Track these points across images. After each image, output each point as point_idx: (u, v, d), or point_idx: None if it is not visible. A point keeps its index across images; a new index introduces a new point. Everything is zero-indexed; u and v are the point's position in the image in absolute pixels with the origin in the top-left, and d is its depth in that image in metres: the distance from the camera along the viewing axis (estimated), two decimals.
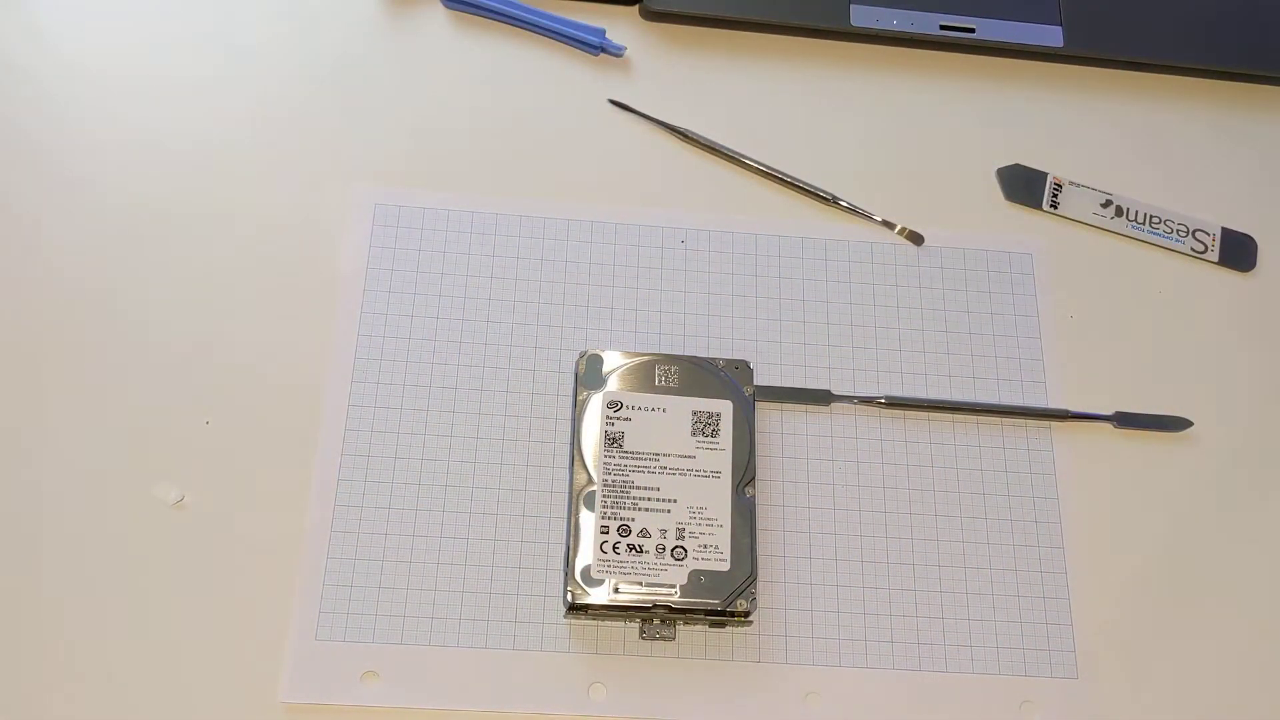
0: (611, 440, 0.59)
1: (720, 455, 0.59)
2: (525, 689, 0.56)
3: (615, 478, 0.58)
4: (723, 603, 0.56)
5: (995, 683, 0.58)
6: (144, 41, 0.70)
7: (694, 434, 0.59)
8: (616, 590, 0.56)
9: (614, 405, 0.59)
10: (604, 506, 0.57)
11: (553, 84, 0.71)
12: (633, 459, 0.58)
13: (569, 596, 0.56)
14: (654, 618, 0.57)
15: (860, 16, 0.74)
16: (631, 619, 0.57)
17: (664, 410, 0.60)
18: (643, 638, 0.57)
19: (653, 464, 0.58)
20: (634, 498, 0.58)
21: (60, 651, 0.55)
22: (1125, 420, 0.65)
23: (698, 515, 0.58)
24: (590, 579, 0.56)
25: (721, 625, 0.58)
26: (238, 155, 0.67)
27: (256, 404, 0.61)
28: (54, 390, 0.60)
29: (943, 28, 0.74)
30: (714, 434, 0.59)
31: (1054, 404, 0.65)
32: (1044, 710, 0.58)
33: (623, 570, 0.56)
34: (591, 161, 0.69)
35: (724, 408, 0.60)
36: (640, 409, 0.59)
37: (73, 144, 0.67)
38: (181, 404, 0.60)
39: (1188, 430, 0.65)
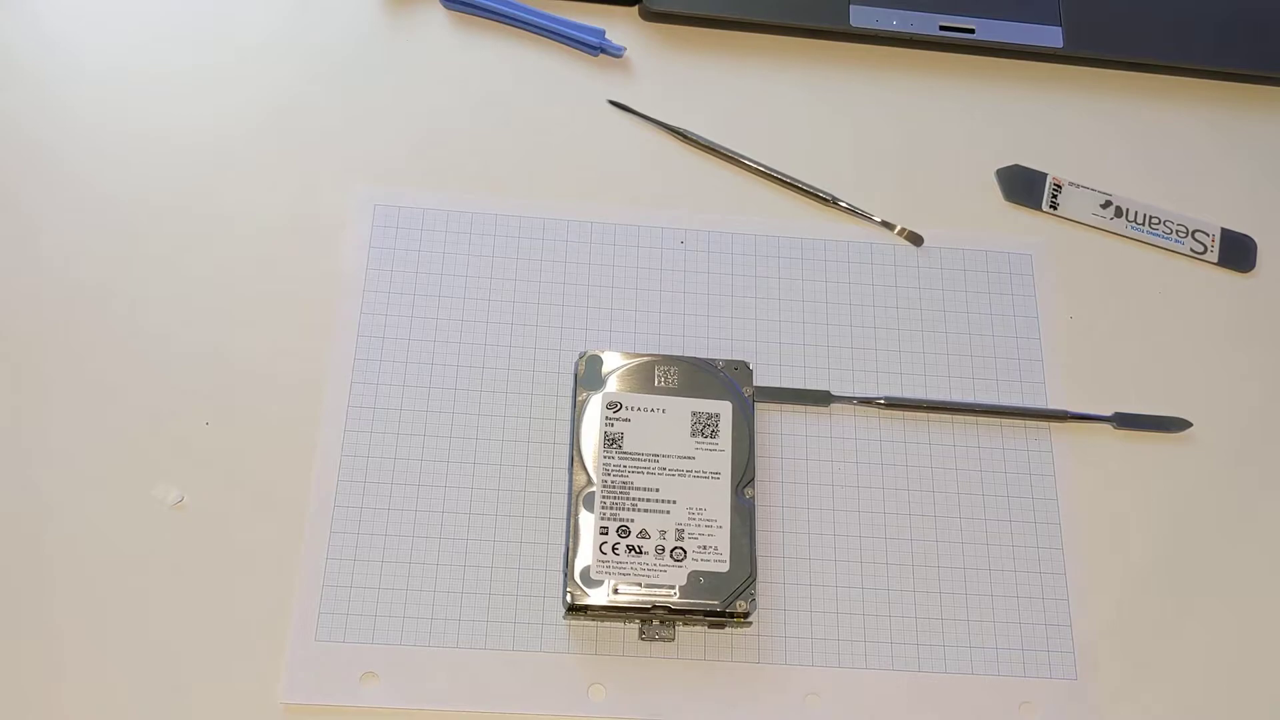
0: (611, 441, 0.59)
1: (719, 456, 0.59)
2: (525, 690, 0.56)
3: (614, 478, 0.58)
4: (722, 604, 0.56)
5: (994, 683, 0.59)
6: (143, 42, 0.70)
7: (693, 435, 0.59)
8: (616, 591, 0.56)
9: (613, 406, 0.59)
10: (603, 507, 0.57)
11: (552, 85, 0.71)
12: (632, 460, 0.58)
13: (568, 597, 0.56)
14: (653, 619, 0.57)
15: (860, 17, 0.74)
16: (631, 620, 0.57)
17: (663, 411, 0.60)
18: (642, 639, 0.57)
19: (652, 465, 0.58)
20: (633, 499, 0.58)
21: (60, 652, 0.55)
22: (1124, 421, 0.65)
23: (697, 516, 0.58)
24: (590, 580, 0.56)
25: (721, 626, 0.58)
26: (237, 155, 0.67)
27: (256, 405, 0.61)
28: (53, 391, 0.60)
29: (942, 28, 0.74)
30: (713, 435, 0.59)
31: (1053, 405, 0.65)
32: (1043, 711, 0.58)
33: (622, 571, 0.56)
34: (591, 162, 0.69)
35: (723, 409, 0.60)
36: (640, 410, 0.60)
37: (72, 143, 0.67)
38: (181, 405, 0.61)
39: (1187, 431, 0.65)
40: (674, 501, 0.58)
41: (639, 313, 0.65)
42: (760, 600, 0.58)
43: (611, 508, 0.57)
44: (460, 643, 0.57)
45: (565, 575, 0.57)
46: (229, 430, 0.60)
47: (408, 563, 0.58)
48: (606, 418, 0.59)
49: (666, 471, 0.58)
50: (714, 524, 0.58)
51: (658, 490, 0.58)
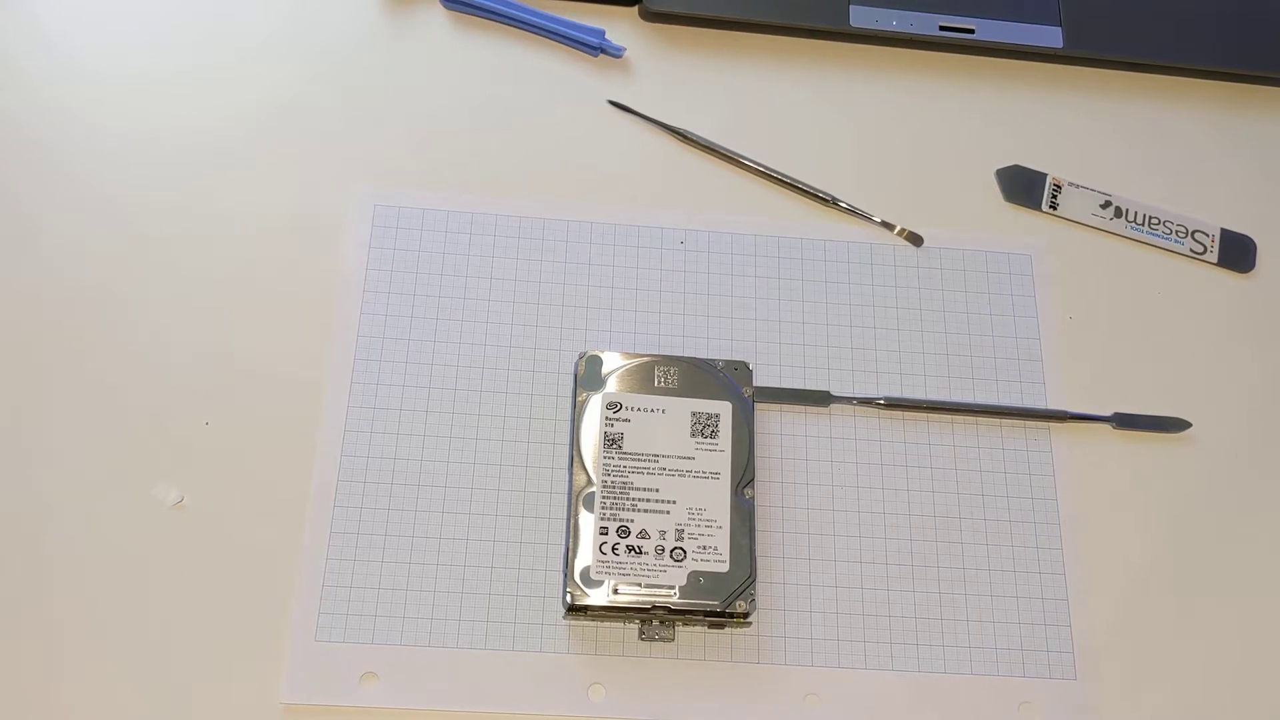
0: (611, 441, 0.59)
1: (719, 456, 0.59)
2: (525, 690, 0.56)
3: (614, 479, 0.58)
4: (721, 604, 0.56)
5: (993, 684, 0.59)
6: (144, 42, 0.70)
7: (693, 435, 0.59)
8: (616, 591, 0.56)
9: (613, 406, 0.59)
10: (603, 508, 0.57)
11: (552, 85, 0.71)
12: (632, 460, 0.58)
13: (568, 598, 0.56)
14: (653, 619, 0.57)
15: (860, 17, 0.74)
16: (631, 620, 0.57)
17: (663, 411, 0.60)
18: (642, 639, 0.57)
19: (652, 465, 0.58)
20: (633, 499, 0.58)
21: (60, 652, 0.55)
22: (1124, 421, 0.65)
23: (697, 516, 0.58)
24: (589, 580, 0.56)
25: (720, 626, 0.58)
26: (237, 156, 0.67)
27: (256, 405, 0.61)
28: (54, 391, 0.60)
29: (942, 28, 0.74)
30: (713, 435, 0.59)
31: (1053, 405, 0.65)
32: (1042, 711, 0.58)
33: (622, 571, 0.56)
34: (591, 162, 0.69)
35: (723, 409, 0.60)
36: (640, 410, 0.60)
37: (72, 143, 0.67)
38: (181, 405, 0.61)
39: (1186, 431, 0.65)
40: (674, 502, 0.58)
41: (639, 313, 0.65)
42: (760, 600, 0.58)
43: (611, 508, 0.57)
44: (460, 643, 0.57)
45: (565, 575, 0.57)
46: (229, 430, 0.60)
47: (407, 563, 0.58)
48: (606, 418, 0.59)
49: (666, 472, 0.58)
50: (714, 524, 0.58)
51: (657, 490, 0.58)
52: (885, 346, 0.66)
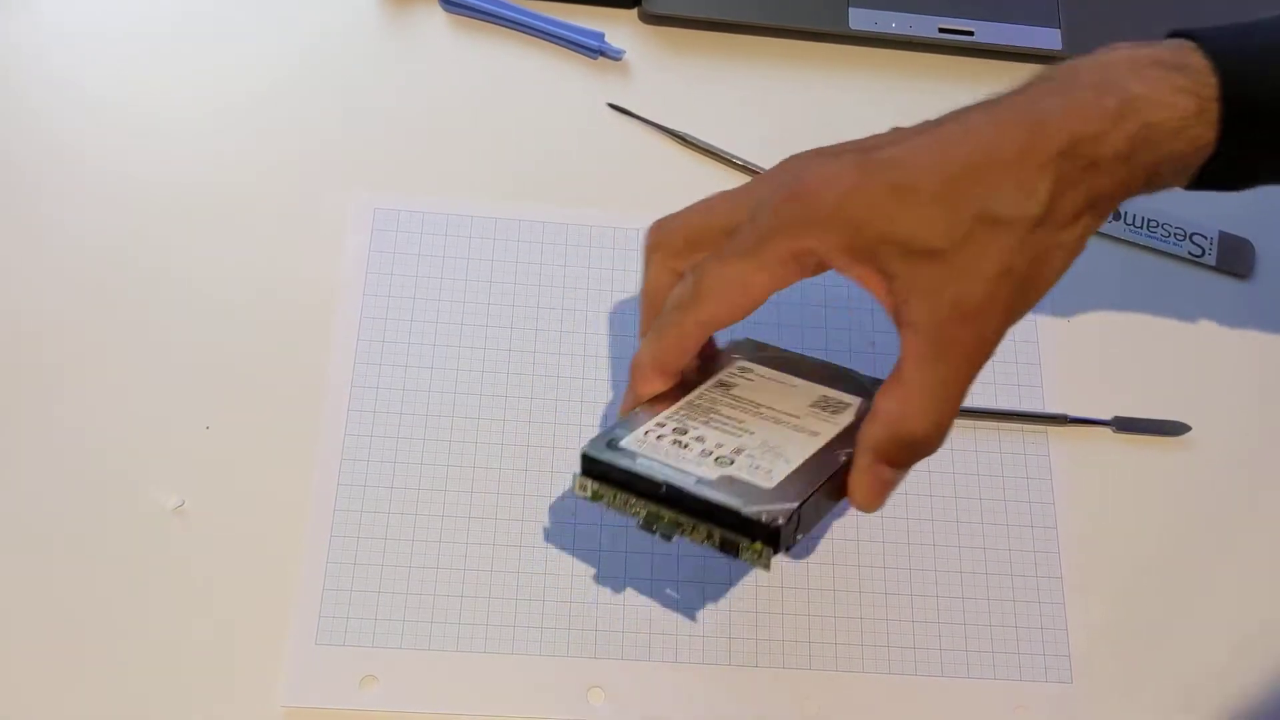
0: (721, 384, 0.53)
1: (829, 426, 0.51)
2: (524, 693, 0.57)
3: (703, 403, 0.51)
4: (745, 507, 0.45)
5: (989, 687, 0.59)
6: (140, 48, 0.70)
7: (814, 407, 0.52)
8: (635, 459, 0.48)
9: (744, 369, 0.54)
10: (670, 415, 0.50)
11: (551, 88, 0.72)
12: (731, 400, 0.52)
13: (588, 452, 0.48)
14: (661, 515, 0.48)
15: (859, 19, 0.74)
16: (636, 510, 0.48)
17: (793, 386, 0.53)
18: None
19: (749, 407, 0.51)
20: (709, 417, 0.50)
21: (60, 656, 0.56)
22: (1123, 425, 0.65)
23: (768, 450, 0.49)
24: (617, 449, 0.48)
25: (734, 552, 0.46)
26: (235, 160, 0.67)
27: (256, 409, 0.61)
28: (53, 395, 0.61)
29: (941, 30, 0.74)
30: (836, 413, 0.52)
31: (1051, 409, 0.65)
32: (1037, 715, 0.58)
33: (654, 453, 0.48)
34: (590, 166, 0.69)
35: (854, 402, 0.53)
36: (767, 379, 0.54)
37: (68, 148, 0.67)
38: (181, 409, 0.61)
39: (1186, 435, 0.65)
40: (752, 433, 0.49)
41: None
42: (757, 604, 0.59)
43: (681, 419, 0.50)
44: (460, 646, 0.57)
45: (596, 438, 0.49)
46: (229, 434, 0.60)
47: (408, 566, 0.58)
48: (730, 371, 0.54)
49: (762, 416, 0.51)
50: (782, 458, 0.48)
51: (742, 421, 0.50)
52: (885, 350, 0.66)
